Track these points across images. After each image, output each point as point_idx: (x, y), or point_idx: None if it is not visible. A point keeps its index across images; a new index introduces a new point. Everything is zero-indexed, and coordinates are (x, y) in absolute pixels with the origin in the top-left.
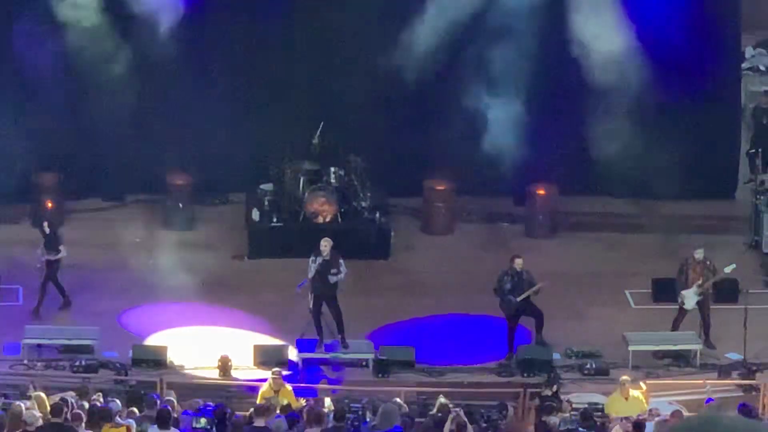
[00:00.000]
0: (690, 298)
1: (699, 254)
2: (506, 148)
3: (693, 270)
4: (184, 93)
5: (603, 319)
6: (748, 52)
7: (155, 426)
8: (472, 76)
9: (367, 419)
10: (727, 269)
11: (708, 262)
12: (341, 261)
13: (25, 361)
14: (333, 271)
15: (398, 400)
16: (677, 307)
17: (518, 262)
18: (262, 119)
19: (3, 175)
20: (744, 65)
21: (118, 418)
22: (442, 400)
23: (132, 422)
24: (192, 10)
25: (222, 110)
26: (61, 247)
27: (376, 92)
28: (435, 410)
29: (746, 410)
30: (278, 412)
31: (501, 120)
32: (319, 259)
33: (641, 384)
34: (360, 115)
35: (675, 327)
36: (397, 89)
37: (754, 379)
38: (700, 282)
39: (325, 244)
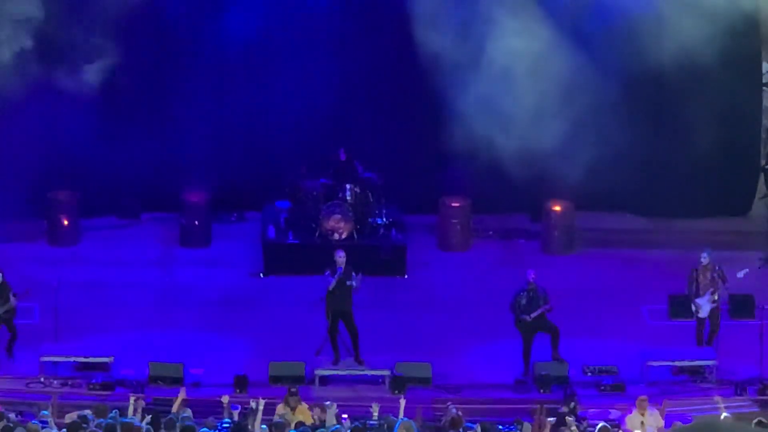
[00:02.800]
0: (704, 306)
1: (705, 259)
2: (522, 164)
3: (703, 276)
4: (200, 110)
5: (619, 336)
6: (764, 67)
7: None
8: (489, 93)
9: None
10: (740, 274)
11: (717, 268)
12: (354, 274)
13: (42, 379)
14: (348, 282)
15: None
16: (695, 320)
17: (531, 274)
18: (279, 136)
19: (19, 193)
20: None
21: None
22: (453, 411)
23: None
24: (207, 25)
25: (238, 127)
26: (11, 297)
27: (393, 109)
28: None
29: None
30: (293, 428)
31: (517, 136)
32: (338, 270)
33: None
34: (376, 131)
35: (699, 339)
36: (413, 105)
37: None
38: (712, 290)
39: (341, 256)
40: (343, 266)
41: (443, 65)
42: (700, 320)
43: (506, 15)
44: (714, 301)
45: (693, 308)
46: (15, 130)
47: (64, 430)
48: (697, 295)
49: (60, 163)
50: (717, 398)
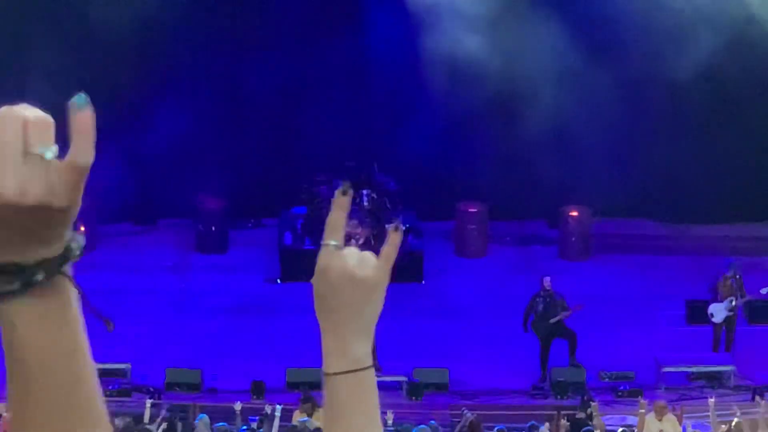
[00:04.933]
0: (719, 311)
1: (731, 271)
2: (540, 170)
3: (723, 286)
4: (217, 116)
5: (636, 341)
6: None
7: None
8: (504, 98)
9: None
10: (764, 290)
11: (737, 277)
12: None
13: None
14: None
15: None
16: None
17: (546, 281)
18: (295, 142)
19: None
20: None
21: None
22: (468, 415)
23: None
24: (224, 34)
25: (255, 133)
26: None
27: (408, 114)
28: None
29: None
30: None
31: (534, 142)
32: None
33: (674, 406)
34: (392, 137)
35: (716, 345)
36: (428, 111)
37: None
38: (731, 298)
39: None
40: None
41: (461, 70)
42: (716, 326)
43: (526, 19)
44: (731, 309)
45: (709, 313)
46: None
47: None
48: (715, 300)
49: None
50: (732, 405)
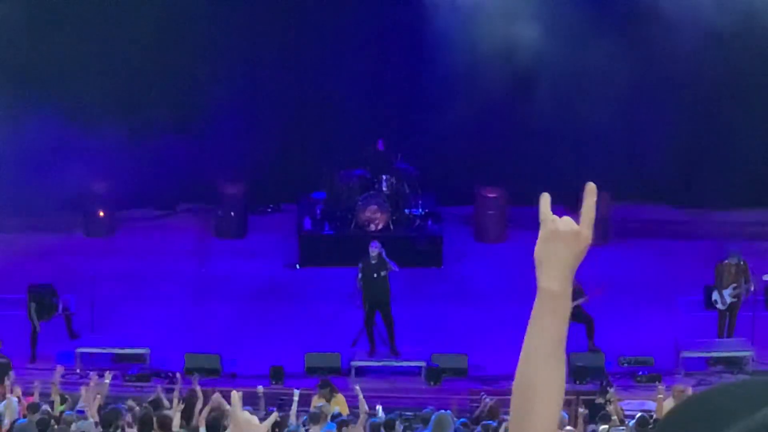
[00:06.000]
0: (724, 297)
1: (733, 259)
2: (558, 154)
3: (728, 272)
4: (235, 100)
5: (655, 326)
6: None
7: None
8: (525, 82)
9: (418, 428)
10: (766, 278)
11: (741, 264)
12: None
13: (78, 370)
14: (383, 273)
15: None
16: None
17: None
18: (315, 127)
19: (56, 185)
20: None
21: None
22: (487, 401)
23: None
24: (241, 16)
25: (274, 118)
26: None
27: (427, 99)
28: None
29: None
30: (329, 420)
31: (553, 127)
32: (372, 261)
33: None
34: (411, 122)
35: (720, 331)
36: (447, 96)
37: None
38: (735, 285)
39: (375, 247)
40: (373, 258)
41: (479, 55)
42: (722, 312)
43: (546, 4)
44: (735, 296)
45: (713, 298)
46: (50, 123)
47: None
48: (720, 287)
49: (97, 155)
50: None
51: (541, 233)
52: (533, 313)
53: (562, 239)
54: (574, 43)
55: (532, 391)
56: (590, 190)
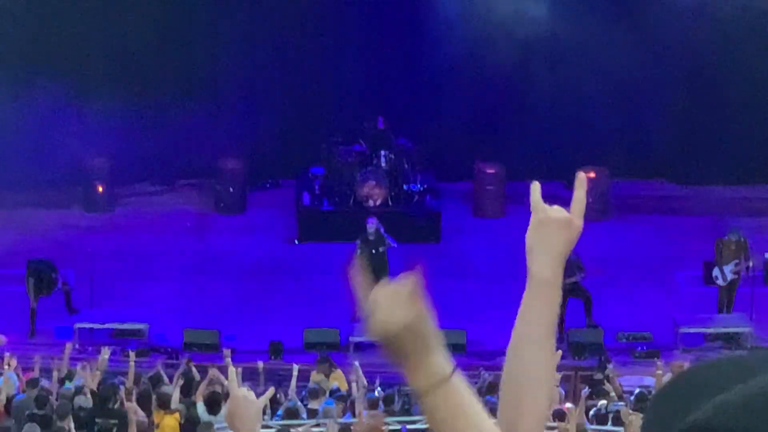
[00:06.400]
0: (725, 273)
1: (733, 235)
2: (557, 130)
3: (728, 249)
4: (234, 76)
5: (653, 302)
6: None
7: (205, 410)
8: (524, 58)
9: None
10: None
11: (742, 240)
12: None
13: (77, 346)
14: (381, 248)
15: None
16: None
17: None
18: (312, 103)
19: (55, 160)
20: None
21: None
22: (486, 375)
23: (182, 407)
24: None
25: (273, 94)
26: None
27: (427, 75)
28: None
29: None
30: (328, 396)
31: (551, 102)
32: (369, 237)
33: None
34: (409, 97)
35: (720, 307)
36: (446, 72)
37: None
38: (736, 261)
39: (372, 224)
40: (370, 234)
41: (480, 31)
42: (721, 288)
43: None
44: (736, 273)
45: (714, 275)
46: (49, 98)
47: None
48: (721, 263)
49: (95, 130)
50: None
51: (531, 221)
52: (524, 300)
53: (553, 227)
54: (573, 18)
55: (524, 377)
56: (581, 180)
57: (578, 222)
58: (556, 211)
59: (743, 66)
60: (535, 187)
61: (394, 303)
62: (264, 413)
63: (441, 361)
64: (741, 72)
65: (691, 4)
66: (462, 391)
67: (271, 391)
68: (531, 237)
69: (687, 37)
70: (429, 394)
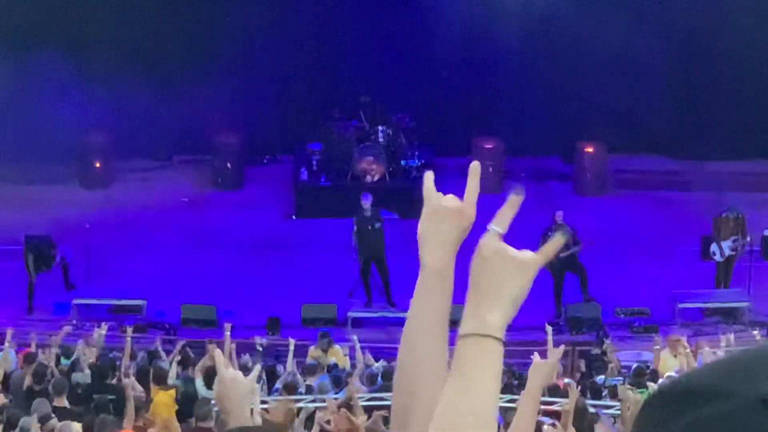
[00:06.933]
0: (723, 249)
1: (731, 212)
2: (555, 105)
3: (726, 225)
4: (231, 52)
5: (651, 277)
6: None
7: (203, 385)
8: (521, 33)
9: None
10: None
11: (740, 217)
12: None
13: (74, 322)
14: (377, 225)
15: None
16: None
17: (559, 214)
18: (310, 78)
19: (52, 136)
20: None
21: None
22: None
23: (179, 383)
24: None
25: (270, 70)
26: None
27: (424, 50)
28: None
29: None
30: (324, 372)
31: (549, 78)
32: (365, 214)
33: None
34: (407, 73)
35: (718, 282)
36: (443, 48)
37: None
38: (735, 237)
39: (367, 201)
40: (366, 211)
41: (478, 7)
42: (719, 264)
43: None
44: (734, 249)
45: (711, 252)
46: (48, 74)
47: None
48: (719, 239)
49: (92, 105)
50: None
51: (424, 210)
52: (416, 291)
53: (446, 216)
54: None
55: (417, 369)
56: (474, 169)
57: (471, 211)
58: (449, 200)
59: (740, 41)
60: (428, 176)
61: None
62: (257, 391)
63: (498, 321)
64: (738, 47)
65: None
66: (493, 359)
67: (257, 368)
68: (423, 226)
69: (683, 11)
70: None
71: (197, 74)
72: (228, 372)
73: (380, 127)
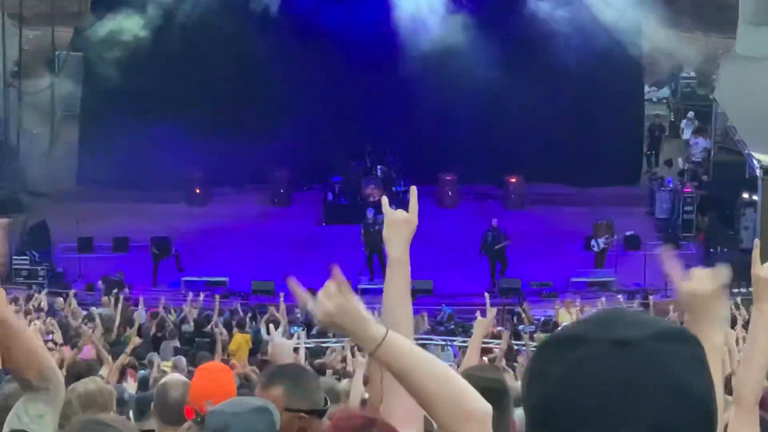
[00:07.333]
0: (599, 243)
1: (604, 220)
2: (490, 149)
3: (600, 228)
4: (285, 115)
5: (554, 262)
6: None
7: (266, 332)
8: (471, 103)
9: None
10: (628, 233)
11: (610, 223)
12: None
13: (182, 291)
14: (378, 228)
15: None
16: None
17: (494, 222)
18: (333, 133)
19: (168, 172)
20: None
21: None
22: (446, 310)
23: (251, 331)
24: (275, 15)
25: (307, 128)
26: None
27: (405, 115)
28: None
29: None
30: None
31: (486, 131)
32: (369, 221)
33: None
34: (395, 130)
35: (597, 264)
36: (419, 113)
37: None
38: (606, 236)
39: (370, 212)
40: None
41: (442, 86)
42: (597, 253)
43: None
44: (606, 244)
45: (592, 244)
46: (164, 129)
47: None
48: (595, 237)
49: (193, 150)
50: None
51: (385, 221)
52: (387, 276)
53: (400, 223)
54: (502, 71)
55: (394, 325)
56: (413, 193)
57: (414, 220)
58: (400, 213)
59: (611, 104)
60: (385, 201)
61: (327, 298)
62: (295, 346)
63: (374, 327)
64: (610, 109)
65: (571, 53)
66: (401, 341)
67: (297, 334)
68: (386, 231)
69: (568, 74)
70: (377, 354)
71: (261, 129)
72: (277, 339)
73: (378, 166)
